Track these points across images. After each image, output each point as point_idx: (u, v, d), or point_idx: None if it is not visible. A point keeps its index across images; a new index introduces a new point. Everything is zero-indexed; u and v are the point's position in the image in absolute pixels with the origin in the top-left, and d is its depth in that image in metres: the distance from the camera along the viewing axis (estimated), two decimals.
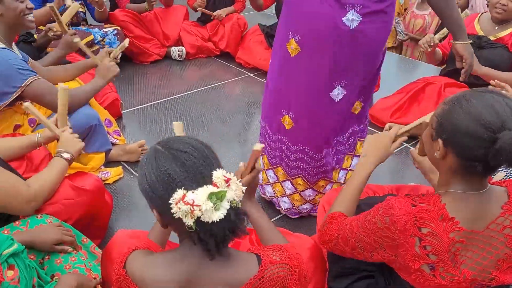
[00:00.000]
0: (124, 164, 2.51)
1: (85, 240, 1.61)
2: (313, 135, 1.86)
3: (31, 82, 1.93)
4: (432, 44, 2.57)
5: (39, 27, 3.01)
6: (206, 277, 1.01)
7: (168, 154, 0.99)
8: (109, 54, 2.37)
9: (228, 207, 0.94)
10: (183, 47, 3.98)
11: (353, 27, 1.59)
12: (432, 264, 1.10)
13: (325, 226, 1.33)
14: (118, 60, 2.43)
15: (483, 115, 1.01)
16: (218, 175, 0.97)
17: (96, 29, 3.58)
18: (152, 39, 3.90)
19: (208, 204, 0.92)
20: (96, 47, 3.50)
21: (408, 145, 2.81)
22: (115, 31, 3.61)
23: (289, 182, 2.03)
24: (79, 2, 3.44)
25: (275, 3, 3.76)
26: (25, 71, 1.93)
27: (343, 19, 1.58)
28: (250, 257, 1.05)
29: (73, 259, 1.49)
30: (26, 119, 2.13)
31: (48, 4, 2.65)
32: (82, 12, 3.56)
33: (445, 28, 2.43)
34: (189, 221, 0.93)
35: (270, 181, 2.10)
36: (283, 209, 2.13)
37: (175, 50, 3.97)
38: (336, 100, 1.77)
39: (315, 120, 1.82)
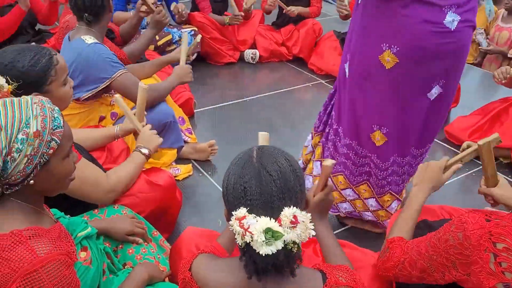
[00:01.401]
0: (194, 162, 2.58)
1: (155, 233, 1.67)
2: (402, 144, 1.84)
3: (120, 75, 2.05)
4: (508, 75, 2.47)
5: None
6: None
7: (255, 168, 0.98)
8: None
9: (281, 247, 0.91)
10: (256, 50, 4.02)
11: (453, 28, 1.58)
12: (508, 283, 1.04)
13: (387, 253, 1.29)
14: (191, 60, 2.50)
15: None
16: (287, 213, 0.93)
17: (175, 29, 3.72)
18: (227, 41, 3.98)
19: (261, 237, 0.90)
20: (174, 46, 3.64)
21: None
22: (192, 32, 3.73)
23: (351, 189, 2.01)
24: (160, 3, 3.59)
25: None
26: (116, 64, 2.06)
27: (444, 21, 1.57)
28: (315, 274, 1.04)
29: (144, 250, 1.55)
30: (109, 112, 2.26)
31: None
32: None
33: None
34: (239, 240, 0.94)
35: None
36: (344, 212, 2.10)
37: (248, 53, 4.03)
38: (431, 99, 1.73)
39: (407, 127, 1.79)
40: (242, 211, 0.94)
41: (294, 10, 3.87)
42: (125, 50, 2.50)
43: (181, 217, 2.11)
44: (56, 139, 0.99)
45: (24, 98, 1.00)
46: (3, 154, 0.92)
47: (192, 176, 2.49)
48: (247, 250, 0.94)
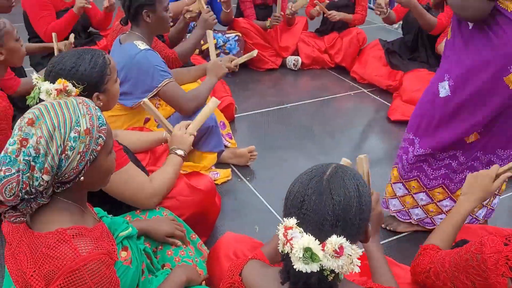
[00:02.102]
0: (233, 167, 2.60)
1: (193, 236, 1.70)
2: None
3: (166, 83, 2.11)
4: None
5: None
6: None
7: (321, 185, 0.96)
8: (231, 61, 2.50)
9: (316, 270, 0.90)
10: (299, 57, 4.02)
11: None
12: None
13: (418, 258, 1.31)
14: (237, 69, 2.55)
15: None
16: (333, 241, 0.90)
17: (219, 34, 3.77)
18: (269, 47, 4.00)
19: (299, 253, 0.90)
20: (218, 51, 3.69)
21: None
22: (236, 37, 3.78)
23: (424, 193, 2.00)
24: (206, 6, 3.65)
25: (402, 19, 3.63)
26: (164, 72, 2.11)
27: None
28: None
29: (182, 252, 1.58)
30: None
31: None
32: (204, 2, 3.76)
33: None
34: (281, 247, 0.94)
35: (397, 194, 2.08)
36: (415, 219, 2.10)
37: (290, 60, 4.03)
38: None
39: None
40: (291, 221, 0.93)
41: (336, 15, 3.80)
42: (176, 50, 2.59)
43: (218, 221, 2.13)
44: (102, 135, 1.03)
45: (69, 99, 1.04)
46: (59, 153, 0.96)
47: (231, 181, 2.51)
48: (286, 258, 0.95)
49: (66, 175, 0.99)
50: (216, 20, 2.69)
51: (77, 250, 0.96)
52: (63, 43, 2.77)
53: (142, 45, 2.11)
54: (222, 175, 2.49)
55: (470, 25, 1.67)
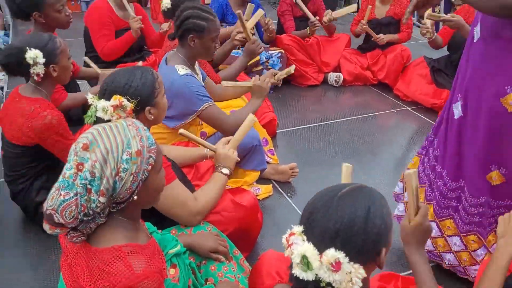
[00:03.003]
0: (274, 183, 2.62)
1: (236, 252, 1.73)
2: None
3: (206, 108, 2.18)
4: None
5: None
6: None
7: (331, 199, 1.00)
8: (274, 75, 2.54)
9: (311, 279, 0.93)
10: (340, 74, 4.02)
11: None
12: None
13: None
14: (280, 84, 2.59)
15: None
16: (328, 254, 0.93)
17: (262, 51, 3.84)
18: (312, 63, 4.03)
19: (296, 259, 0.95)
20: (260, 67, 3.76)
21: None
22: (279, 54, 3.83)
23: (458, 237, 1.87)
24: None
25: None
26: (203, 97, 2.18)
27: None
28: None
29: (225, 268, 1.61)
30: (199, 131, 2.39)
31: (236, 11, 2.97)
32: (251, 33, 3.84)
33: None
34: (285, 251, 0.99)
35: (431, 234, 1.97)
36: (447, 264, 1.95)
37: (332, 76, 4.04)
38: None
39: None
40: (297, 228, 0.99)
41: (384, 38, 3.81)
42: (220, 75, 2.68)
43: (260, 237, 2.16)
44: (153, 155, 1.08)
45: (119, 122, 1.09)
46: (113, 175, 1.01)
47: (272, 197, 2.53)
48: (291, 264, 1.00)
49: (121, 195, 1.04)
50: (262, 49, 2.80)
51: (132, 268, 1.01)
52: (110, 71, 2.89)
53: (182, 70, 2.17)
54: (264, 190, 2.52)
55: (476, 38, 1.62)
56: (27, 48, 1.92)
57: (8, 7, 2.54)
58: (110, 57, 3.14)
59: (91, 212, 1.02)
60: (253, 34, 2.84)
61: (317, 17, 3.81)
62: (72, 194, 0.99)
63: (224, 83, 2.39)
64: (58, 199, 0.99)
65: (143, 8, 3.63)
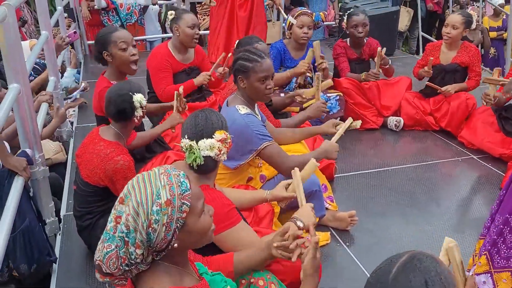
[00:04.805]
0: (332, 230, 2.56)
1: None
2: None
3: (265, 146, 2.20)
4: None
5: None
6: None
7: (389, 265, 0.95)
8: (335, 126, 2.53)
9: None
10: (401, 118, 3.92)
11: None
12: None
13: None
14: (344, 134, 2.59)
15: None
16: None
17: (321, 93, 3.84)
18: (370, 107, 3.97)
19: None
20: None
21: None
22: (337, 97, 3.81)
23: None
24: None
25: None
26: (263, 136, 2.20)
27: None
28: None
29: None
30: (258, 174, 2.39)
31: (316, 74, 3.05)
32: (309, 77, 3.88)
33: None
34: None
35: None
36: None
37: (392, 120, 3.95)
38: None
39: None
40: None
41: (451, 90, 3.69)
42: (281, 121, 2.73)
43: None
44: (187, 202, 1.07)
45: (153, 170, 1.11)
46: (145, 227, 1.03)
47: (329, 245, 2.46)
48: None
49: (158, 245, 1.05)
50: (327, 110, 2.89)
51: None
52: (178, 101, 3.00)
53: (243, 110, 2.22)
54: (321, 238, 2.45)
55: None
56: (131, 93, 2.07)
57: (94, 55, 2.73)
58: (168, 100, 3.27)
59: (132, 262, 1.04)
60: (311, 78, 2.89)
61: (380, 70, 3.79)
62: (113, 247, 1.03)
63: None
64: (102, 251, 1.04)
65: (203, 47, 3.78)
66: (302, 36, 3.53)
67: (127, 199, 1.05)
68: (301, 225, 1.77)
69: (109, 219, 1.07)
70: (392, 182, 3.14)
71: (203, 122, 1.65)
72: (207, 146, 1.60)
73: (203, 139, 1.63)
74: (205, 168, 1.69)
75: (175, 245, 1.07)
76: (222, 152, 1.65)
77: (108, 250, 1.03)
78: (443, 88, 3.71)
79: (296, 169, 1.95)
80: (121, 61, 2.58)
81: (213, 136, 1.64)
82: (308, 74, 3.81)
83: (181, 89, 2.95)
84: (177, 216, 1.05)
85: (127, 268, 1.05)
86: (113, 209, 1.07)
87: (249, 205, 2.10)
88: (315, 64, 3.57)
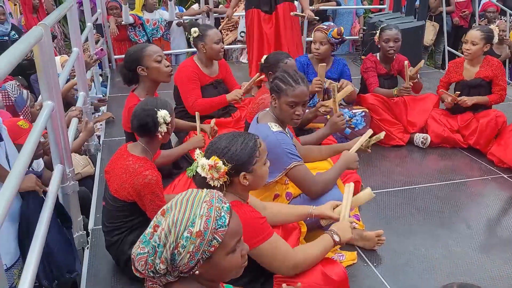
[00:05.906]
0: (359, 250, 2.52)
1: None
2: None
3: (294, 166, 2.21)
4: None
5: None
6: None
7: None
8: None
9: None
10: (428, 135, 3.86)
11: None
12: None
13: None
14: (370, 151, 2.57)
15: None
16: None
17: (346, 110, 3.82)
18: (397, 123, 3.93)
19: None
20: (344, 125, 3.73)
21: None
22: (363, 113, 3.78)
23: None
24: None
25: None
26: (293, 155, 2.21)
27: None
28: None
29: None
30: (284, 191, 2.39)
31: (330, 83, 3.04)
32: (330, 90, 3.87)
33: None
34: None
35: None
36: None
37: (419, 137, 3.90)
38: None
39: None
40: None
41: (468, 100, 3.63)
42: (301, 139, 2.74)
43: None
44: (218, 238, 1.06)
45: (201, 192, 1.11)
46: (171, 248, 1.04)
47: (356, 264, 2.42)
48: None
49: (180, 267, 1.06)
50: (345, 126, 2.86)
51: None
52: (208, 126, 3.02)
53: (275, 127, 2.24)
54: (348, 257, 2.42)
55: None
56: (156, 108, 2.10)
57: (122, 76, 2.76)
58: (199, 112, 3.31)
59: (156, 272, 1.07)
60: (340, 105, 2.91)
61: (411, 84, 3.75)
62: (146, 250, 1.07)
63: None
64: (137, 250, 1.08)
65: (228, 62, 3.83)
66: (314, 52, 3.63)
67: (167, 213, 1.08)
68: (338, 239, 1.77)
69: (150, 223, 1.10)
70: (419, 201, 3.08)
71: (215, 142, 1.66)
72: (200, 165, 1.59)
73: (205, 157, 1.63)
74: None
75: (197, 272, 1.08)
76: (209, 177, 1.60)
77: (142, 251, 1.07)
78: (459, 98, 3.64)
79: (352, 184, 2.03)
80: (158, 72, 2.69)
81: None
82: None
83: (212, 122, 3.01)
84: (204, 248, 1.06)
85: (152, 275, 1.08)
86: (155, 217, 1.10)
87: (291, 220, 2.10)
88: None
